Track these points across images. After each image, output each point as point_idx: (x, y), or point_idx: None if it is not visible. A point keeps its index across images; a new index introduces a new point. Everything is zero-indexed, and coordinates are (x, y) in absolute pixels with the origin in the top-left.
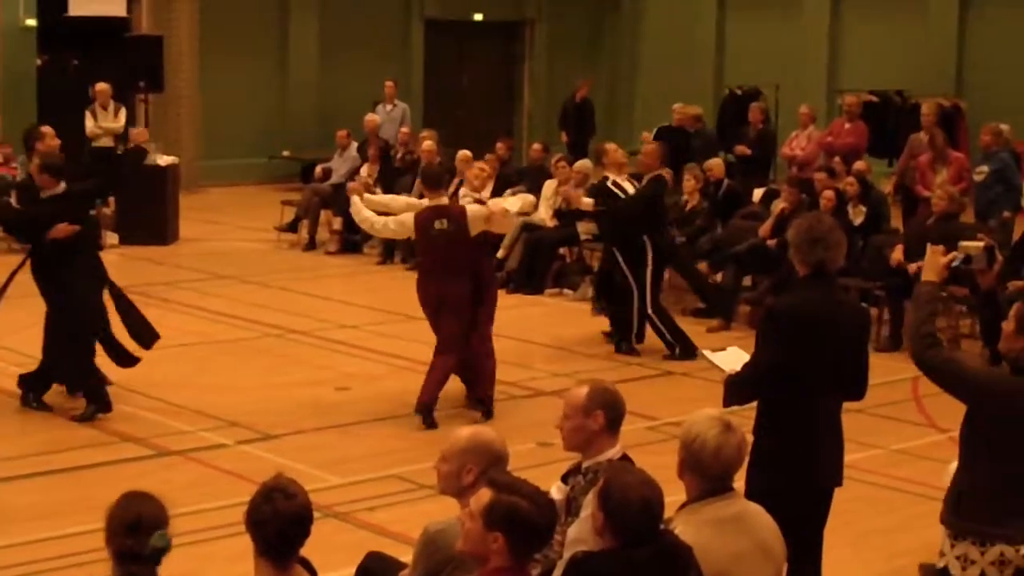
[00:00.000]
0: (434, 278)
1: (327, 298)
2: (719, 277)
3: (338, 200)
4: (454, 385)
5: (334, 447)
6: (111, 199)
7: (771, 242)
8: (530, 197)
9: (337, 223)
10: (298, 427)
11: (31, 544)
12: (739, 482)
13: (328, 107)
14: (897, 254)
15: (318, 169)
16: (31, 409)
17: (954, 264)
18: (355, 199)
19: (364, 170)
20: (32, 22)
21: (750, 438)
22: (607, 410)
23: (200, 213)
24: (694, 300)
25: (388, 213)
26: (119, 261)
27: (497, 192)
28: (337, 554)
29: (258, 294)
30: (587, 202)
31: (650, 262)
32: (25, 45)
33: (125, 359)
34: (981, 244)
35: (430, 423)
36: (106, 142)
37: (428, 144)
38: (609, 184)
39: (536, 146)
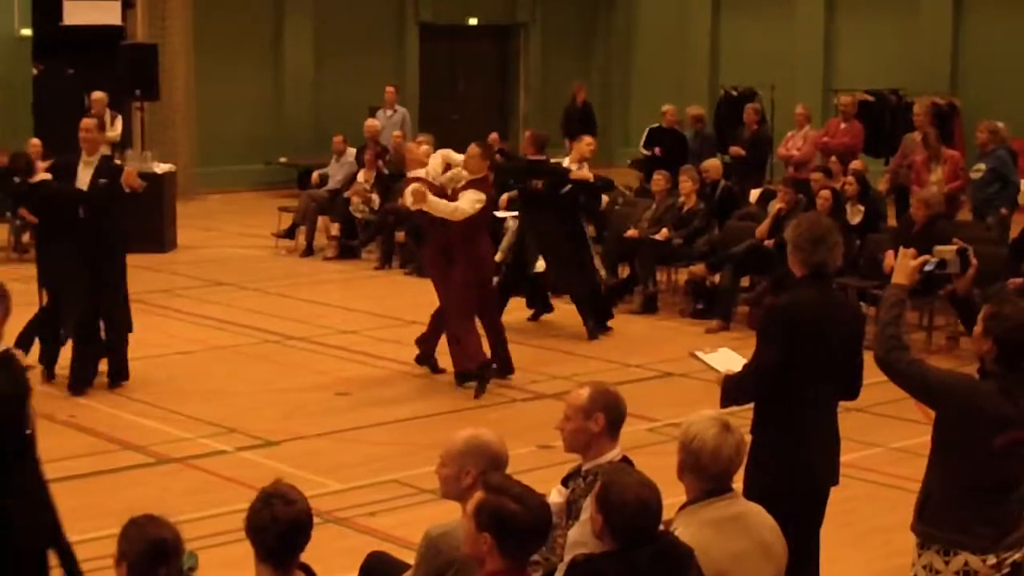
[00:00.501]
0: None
1: (325, 304)
2: (717, 278)
3: (335, 206)
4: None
5: (334, 453)
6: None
7: (768, 242)
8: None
9: (334, 229)
10: (297, 433)
11: None
12: (738, 483)
13: (324, 113)
14: (889, 260)
15: (315, 175)
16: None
17: (927, 269)
18: (431, 196)
19: (361, 175)
20: (27, 31)
21: (749, 438)
22: (608, 412)
23: (197, 220)
24: (692, 302)
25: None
26: None
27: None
28: (338, 559)
29: (256, 300)
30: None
31: None
32: (21, 54)
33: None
34: (954, 248)
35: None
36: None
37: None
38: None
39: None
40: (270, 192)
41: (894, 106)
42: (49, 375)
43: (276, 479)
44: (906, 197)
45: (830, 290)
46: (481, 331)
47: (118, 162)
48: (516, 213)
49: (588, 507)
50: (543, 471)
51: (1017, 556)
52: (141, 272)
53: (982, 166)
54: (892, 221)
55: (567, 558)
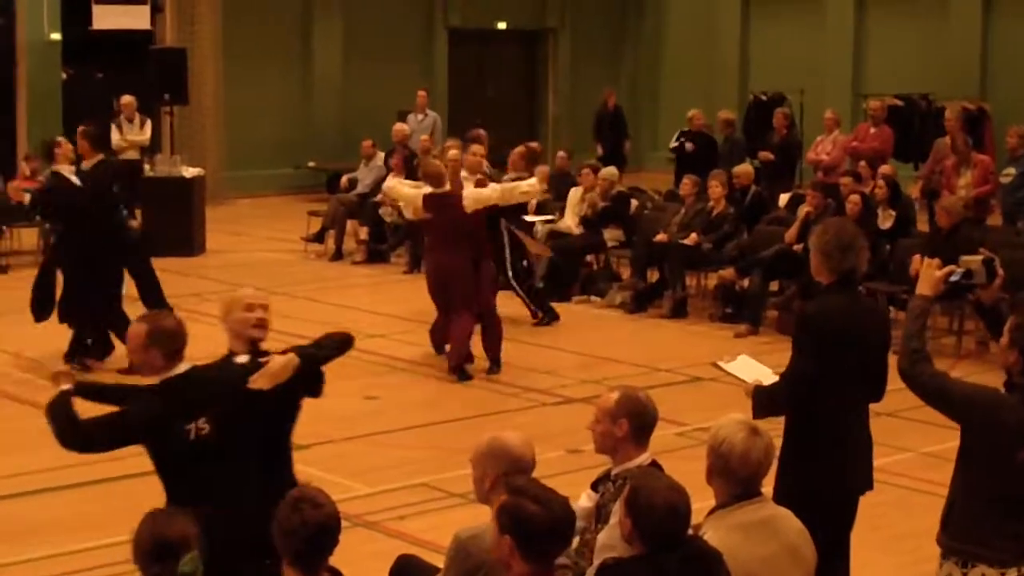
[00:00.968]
0: (437, 252)
1: (354, 308)
2: (746, 283)
3: (364, 210)
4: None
5: (363, 456)
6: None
7: (797, 247)
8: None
9: (363, 233)
10: (326, 436)
11: (56, 557)
12: (767, 487)
13: (352, 117)
14: (916, 265)
15: (343, 179)
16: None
17: (952, 279)
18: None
19: (389, 180)
20: (57, 36)
21: (777, 442)
22: (632, 418)
23: (226, 224)
24: (722, 306)
25: None
26: None
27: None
28: (367, 563)
29: (285, 305)
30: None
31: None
32: (50, 59)
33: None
34: (980, 258)
35: (465, 377)
36: (132, 155)
37: (454, 153)
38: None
39: (561, 153)
40: (299, 196)
41: (923, 111)
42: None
43: (304, 483)
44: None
45: (858, 296)
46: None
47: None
48: (547, 217)
49: (617, 511)
50: (572, 475)
51: None
52: (170, 276)
53: (1012, 170)
54: (924, 226)
55: (596, 562)
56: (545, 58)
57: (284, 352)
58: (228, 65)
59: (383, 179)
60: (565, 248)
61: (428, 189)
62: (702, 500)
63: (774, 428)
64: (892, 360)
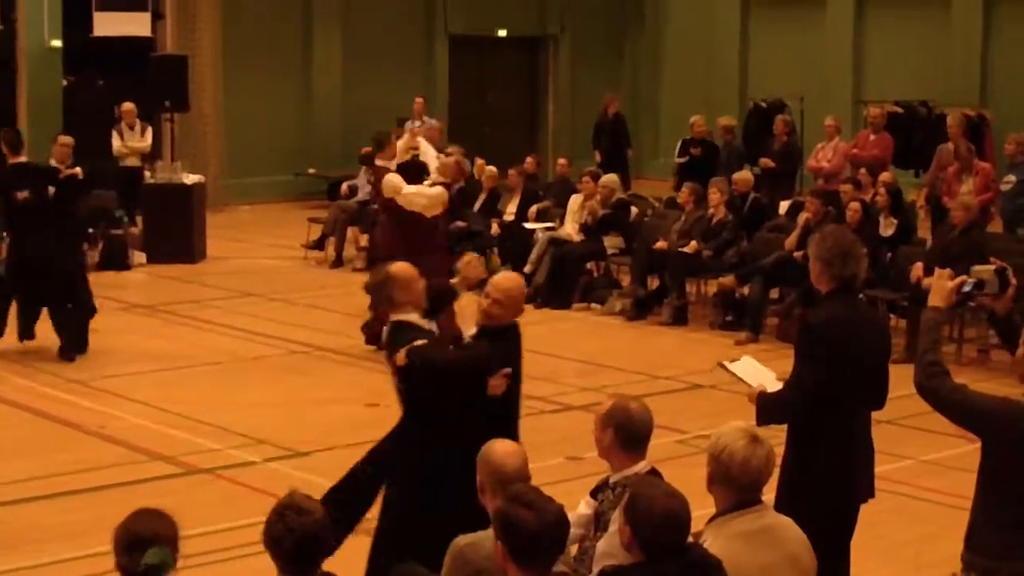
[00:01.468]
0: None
1: (354, 315)
2: (746, 290)
3: (364, 217)
4: None
5: None
6: (138, 218)
7: (797, 254)
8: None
9: (364, 240)
10: (327, 444)
11: (57, 564)
12: (768, 494)
13: (353, 124)
14: (916, 271)
15: (344, 186)
16: None
17: (965, 290)
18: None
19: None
20: (58, 43)
21: (778, 450)
22: (618, 428)
23: (227, 231)
24: (722, 313)
25: None
26: (146, 280)
27: (524, 207)
28: None
29: (285, 311)
30: None
31: None
32: (51, 66)
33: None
34: (993, 267)
35: None
36: (133, 162)
37: (454, 159)
38: None
39: (561, 161)
40: (299, 203)
41: (924, 118)
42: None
43: (291, 490)
44: (942, 209)
45: (858, 304)
46: None
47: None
48: (547, 224)
49: (616, 519)
50: (572, 483)
51: None
52: (171, 283)
53: (1012, 178)
54: (924, 233)
55: (596, 569)
56: (545, 65)
57: None
58: (228, 72)
59: None
60: (565, 255)
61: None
62: (702, 508)
63: (775, 436)
64: (893, 368)
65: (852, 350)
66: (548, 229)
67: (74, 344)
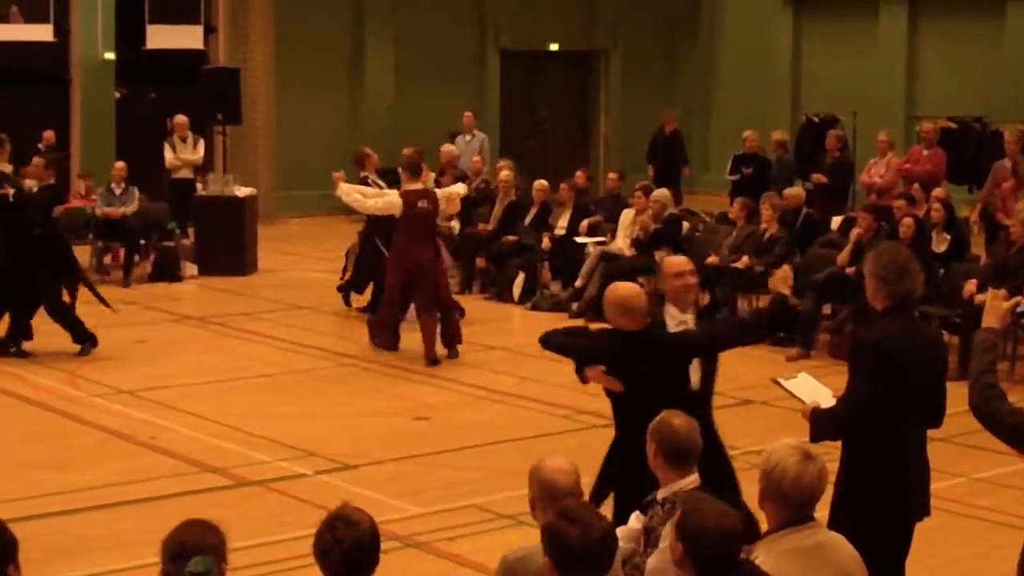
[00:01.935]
0: (414, 249)
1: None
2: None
3: None
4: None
5: (413, 477)
6: (190, 231)
7: (850, 270)
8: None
9: None
10: (376, 457)
11: (106, 575)
12: (820, 511)
13: (404, 138)
14: (970, 287)
15: None
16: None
17: (1020, 310)
18: (342, 185)
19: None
20: (111, 55)
21: (831, 467)
22: (661, 443)
23: (278, 244)
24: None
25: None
26: (198, 292)
27: (575, 221)
28: None
29: (335, 324)
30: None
31: None
32: (104, 78)
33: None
34: None
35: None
36: (185, 174)
37: (505, 174)
38: (370, 181)
39: (612, 175)
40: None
41: (977, 133)
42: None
43: (343, 502)
44: (995, 225)
45: (914, 321)
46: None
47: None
48: (598, 239)
49: (667, 535)
50: None
51: None
52: (222, 295)
53: None
54: (976, 249)
55: None
56: (596, 79)
57: None
58: (280, 85)
59: None
60: (617, 270)
61: (391, 193)
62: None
63: (827, 453)
64: (949, 387)
65: (907, 368)
66: (599, 243)
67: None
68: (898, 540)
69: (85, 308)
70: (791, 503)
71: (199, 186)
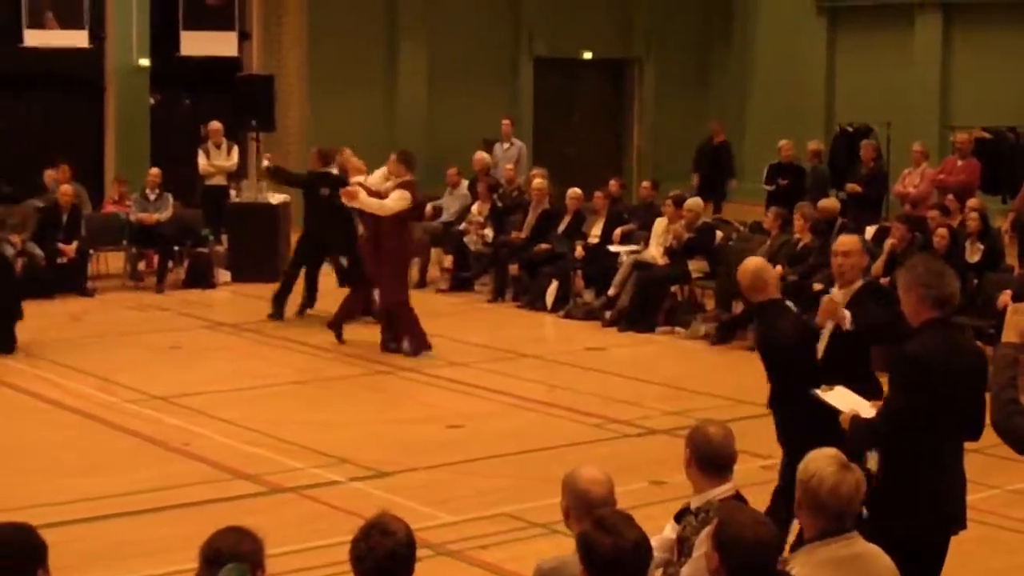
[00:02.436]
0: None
1: (438, 335)
2: None
3: (448, 238)
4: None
5: (446, 485)
6: (223, 237)
7: (884, 280)
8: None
9: (448, 261)
10: (409, 464)
11: None
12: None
13: (438, 145)
14: (1004, 298)
15: (428, 207)
16: None
17: None
18: (362, 196)
19: (475, 208)
20: (145, 62)
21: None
22: (695, 450)
23: None
24: None
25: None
26: (231, 298)
27: (609, 229)
28: None
29: (368, 331)
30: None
31: None
32: (138, 85)
33: None
34: None
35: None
36: (219, 180)
37: (539, 182)
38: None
39: (645, 184)
40: None
41: (1011, 143)
42: None
43: (380, 510)
44: None
45: (955, 332)
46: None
47: None
48: (632, 247)
49: (701, 544)
50: (655, 507)
51: None
52: (256, 302)
53: None
54: (1010, 260)
55: None
56: (631, 88)
57: None
58: (314, 91)
59: (468, 207)
60: (650, 279)
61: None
62: (789, 534)
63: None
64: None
65: (946, 380)
66: (632, 252)
67: None
68: (934, 552)
69: (115, 314)
70: (828, 513)
71: (233, 192)
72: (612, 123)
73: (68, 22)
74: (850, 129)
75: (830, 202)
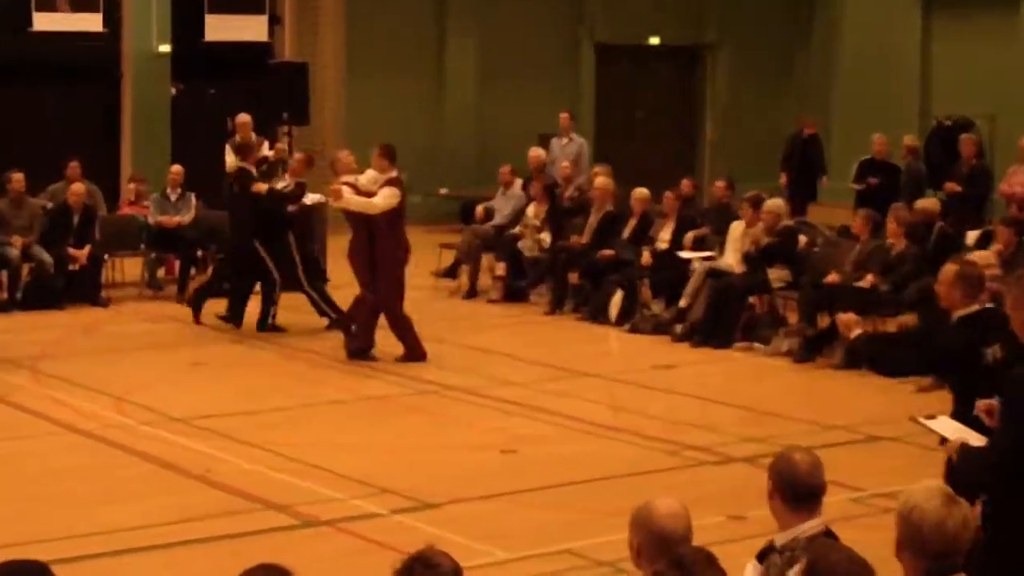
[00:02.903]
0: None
1: (489, 351)
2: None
3: (501, 243)
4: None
5: (499, 517)
6: None
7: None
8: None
9: (500, 268)
10: (458, 495)
11: None
12: None
13: (489, 141)
14: None
15: (479, 209)
16: None
17: None
18: (346, 196)
19: (530, 210)
20: (166, 48)
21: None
22: (777, 480)
23: None
24: None
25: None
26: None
27: (679, 234)
28: None
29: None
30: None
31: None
32: (159, 73)
33: None
34: None
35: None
36: None
37: (602, 181)
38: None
39: (719, 183)
40: (430, 227)
41: None
42: None
43: (427, 544)
44: None
45: None
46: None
47: None
48: (705, 254)
49: None
50: (733, 544)
51: None
52: (288, 311)
53: None
54: None
55: None
56: (702, 77)
57: None
58: (352, 82)
59: (522, 209)
60: (725, 289)
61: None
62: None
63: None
64: None
65: None
66: (706, 259)
67: None
68: None
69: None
70: (931, 552)
71: None
72: (682, 116)
73: (81, 4)
74: (948, 123)
75: (929, 202)
